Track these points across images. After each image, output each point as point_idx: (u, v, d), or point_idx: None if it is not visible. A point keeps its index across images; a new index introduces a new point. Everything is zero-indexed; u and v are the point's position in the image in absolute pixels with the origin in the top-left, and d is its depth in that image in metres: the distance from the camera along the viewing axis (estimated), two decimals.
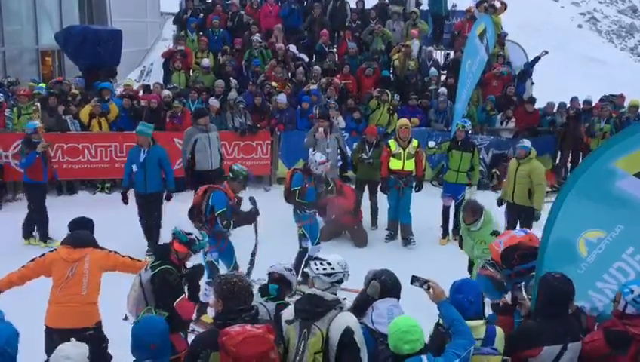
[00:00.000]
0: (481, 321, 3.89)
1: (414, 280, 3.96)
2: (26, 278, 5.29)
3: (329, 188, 8.09)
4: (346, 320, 3.83)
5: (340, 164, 10.47)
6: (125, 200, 8.58)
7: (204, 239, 5.27)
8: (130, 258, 5.48)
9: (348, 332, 3.77)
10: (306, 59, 13.48)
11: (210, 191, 6.88)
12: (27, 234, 8.90)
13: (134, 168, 8.37)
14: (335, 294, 3.97)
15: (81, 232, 5.43)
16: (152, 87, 12.19)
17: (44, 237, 8.82)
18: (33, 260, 5.31)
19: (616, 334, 3.97)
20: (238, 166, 7.11)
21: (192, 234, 5.11)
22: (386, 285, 4.11)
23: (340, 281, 4.02)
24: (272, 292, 4.49)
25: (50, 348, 4.61)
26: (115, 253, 5.45)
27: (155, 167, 8.48)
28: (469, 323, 3.77)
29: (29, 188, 8.92)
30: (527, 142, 8.82)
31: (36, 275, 5.28)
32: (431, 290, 3.90)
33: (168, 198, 8.74)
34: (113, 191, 10.83)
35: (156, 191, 8.57)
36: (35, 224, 8.91)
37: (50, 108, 10.72)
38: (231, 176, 6.94)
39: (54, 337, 4.95)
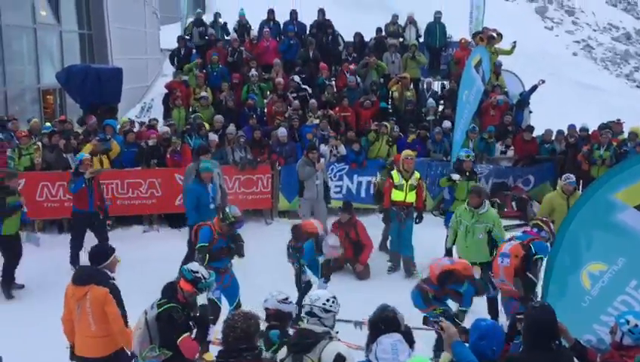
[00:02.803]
0: None
1: (426, 321, 3.96)
2: (68, 318, 5.42)
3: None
4: (336, 347, 3.93)
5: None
6: None
7: (211, 278, 5.25)
8: (123, 315, 5.47)
9: (339, 358, 3.85)
10: (309, 90, 13.60)
11: (199, 228, 6.94)
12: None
13: (212, 206, 8.57)
14: (327, 327, 4.05)
15: (85, 268, 5.53)
16: (156, 125, 12.24)
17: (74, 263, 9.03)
18: None
19: None
20: (232, 209, 6.93)
21: (198, 272, 5.11)
22: (371, 321, 4.09)
23: (310, 314, 4.09)
24: (274, 339, 4.44)
25: None
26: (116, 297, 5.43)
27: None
28: None
29: (74, 216, 9.29)
30: (572, 177, 9.00)
31: (70, 311, 5.40)
32: (444, 331, 3.87)
33: None
34: (114, 228, 10.86)
35: None
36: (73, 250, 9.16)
37: (52, 146, 10.78)
38: (221, 216, 6.90)
39: None
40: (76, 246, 9.18)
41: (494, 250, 7.66)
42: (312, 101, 12.94)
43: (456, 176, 9.62)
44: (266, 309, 4.65)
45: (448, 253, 8.33)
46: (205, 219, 8.02)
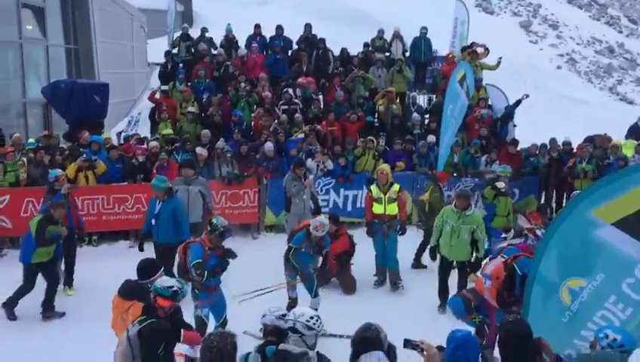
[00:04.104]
0: None
1: (407, 344, 3.98)
2: (114, 325, 5.53)
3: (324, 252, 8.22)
4: None
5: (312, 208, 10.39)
6: (141, 247, 8.57)
7: (184, 286, 5.25)
8: None
9: None
10: (301, 105, 13.65)
11: (188, 246, 6.90)
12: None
13: (152, 222, 8.50)
14: (308, 345, 4.13)
15: (131, 282, 5.61)
16: (144, 140, 12.24)
17: (69, 283, 8.96)
18: None
19: None
20: (219, 219, 6.93)
21: (172, 286, 5.10)
22: (353, 341, 4.10)
23: (293, 330, 4.20)
24: (270, 355, 4.43)
25: None
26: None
27: (169, 219, 8.44)
28: None
29: None
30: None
31: (115, 319, 5.54)
32: (425, 353, 3.89)
33: None
34: (100, 243, 10.82)
35: (168, 242, 8.32)
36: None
37: (37, 162, 10.72)
38: (209, 228, 6.88)
39: None
40: (66, 263, 8.92)
41: (476, 250, 8.30)
42: (297, 115, 13.00)
43: (501, 185, 10.11)
44: (264, 325, 4.64)
45: (432, 251, 8.70)
46: (145, 230, 8.52)
